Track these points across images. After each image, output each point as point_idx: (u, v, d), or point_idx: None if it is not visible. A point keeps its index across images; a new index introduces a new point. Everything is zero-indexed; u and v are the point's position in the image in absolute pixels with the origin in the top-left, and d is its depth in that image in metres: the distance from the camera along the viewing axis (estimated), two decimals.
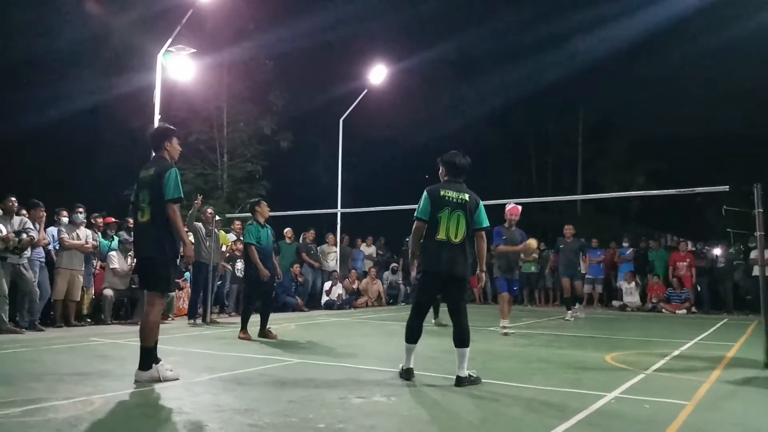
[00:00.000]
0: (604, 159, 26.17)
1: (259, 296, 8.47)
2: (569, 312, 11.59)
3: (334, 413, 3.92)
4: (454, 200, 5.09)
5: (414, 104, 25.35)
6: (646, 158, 24.21)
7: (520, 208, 9.40)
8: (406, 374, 5.13)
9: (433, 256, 5.08)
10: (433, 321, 9.89)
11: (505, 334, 8.80)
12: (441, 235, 5.03)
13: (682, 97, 22.30)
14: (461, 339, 5.09)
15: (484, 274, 5.79)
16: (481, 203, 5.23)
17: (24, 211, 9.02)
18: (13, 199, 8.70)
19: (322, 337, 8.51)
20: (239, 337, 8.05)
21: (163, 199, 4.97)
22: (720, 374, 5.60)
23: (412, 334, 5.19)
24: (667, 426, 3.67)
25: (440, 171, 5.41)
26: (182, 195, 5.08)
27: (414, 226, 5.19)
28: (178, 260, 5.35)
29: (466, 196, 5.15)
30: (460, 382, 4.92)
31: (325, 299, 14.10)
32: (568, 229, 12.26)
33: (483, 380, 5.11)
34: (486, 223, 5.19)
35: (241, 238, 10.81)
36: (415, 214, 5.17)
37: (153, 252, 5.08)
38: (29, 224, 8.73)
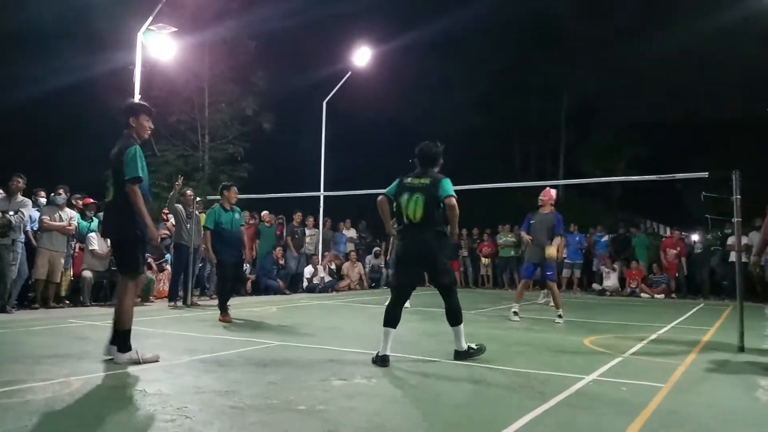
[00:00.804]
0: (586, 145, 26.35)
1: (226, 279, 8.44)
2: (542, 293, 11.41)
3: (314, 395, 3.93)
4: (415, 185, 5.24)
5: (398, 88, 25.29)
6: (628, 144, 24.43)
7: (552, 191, 8.96)
8: (381, 361, 4.97)
9: (401, 240, 5.28)
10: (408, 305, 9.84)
11: (515, 313, 8.68)
12: (405, 219, 5.21)
13: (664, 85, 22.53)
14: (454, 318, 5.25)
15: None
16: (445, 179, 5.24)
17: (42, 196, 9.27)
18: (19, 180, 8.55)
19: (304, 320, 8.51)
20: (219, 320, 8.02)
21: (123, 178, 4.86)
22: (695, 358, 5.70)
23: (392, 319, 5.20)
24: (644, 407, 3.73)
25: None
26: (141, 174, 4.90)
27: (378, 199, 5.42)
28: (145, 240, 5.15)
29: (427, 180, 5.24)
30: (460, 356, 5.16)
31: (307, 284, 14.09)
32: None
33: (464, 363, 5.16)
34: (449, 192, 5.12)
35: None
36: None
37: (117, 235, 5.03)
38: (26, 207, 8.62)
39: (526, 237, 8.94)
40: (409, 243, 5.18)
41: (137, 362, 4.78)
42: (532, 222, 8.84)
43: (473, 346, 5.23)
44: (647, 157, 22.83)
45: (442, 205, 5.10)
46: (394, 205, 5.35)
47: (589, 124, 26.63)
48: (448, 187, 5.17)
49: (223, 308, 8.13)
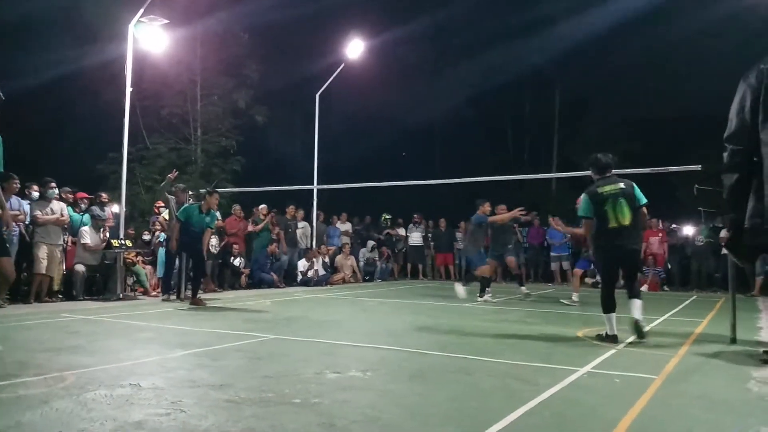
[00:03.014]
0: (579, 139, 26.36)
1: (187, 265, 9.58)
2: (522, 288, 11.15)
3: (309, 388, 3.93)
4: (612, 192, 6.00)
5: (392, 81, 25.19)
6: (621, 139, 24.44)
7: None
8: (612, 339, 5.87)
9: (614, 241, 5.97)
10: (462, 284, 10.49)
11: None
12: (612, 224, 5.92)
13: (657, 79, 22.53)
14: (636, 294, 6.06)
15: None
16: (635, 185, 6.11)
17: (35, 190, 9.35)
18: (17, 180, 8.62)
19: (298, 314, 8.51)
20: (190, 304, 8.93)
21: None
22: (688, 349, 5.74)
23: (611, 305, 5.98)
24: (637, 399, 3.76)
25: (592, 174, 6.34)
26: None
27: (582, 224, 6.34)
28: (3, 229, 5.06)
29: (621, 185, 6.05)
30: (638, 323, 5.89)
31: (301, 277, 14.07)
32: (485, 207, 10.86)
33: (457, 355, 5.18)
34: (644, 200, 6.06)
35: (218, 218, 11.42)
36: (579, 214, 6.26)
37: None
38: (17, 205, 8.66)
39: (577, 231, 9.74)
40: (626, 243, 5.93)
41: None
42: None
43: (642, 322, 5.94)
44: (640, 152, 22.87)
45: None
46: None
47: (582, 118, 26.63)
48: (641, 194, 6.05)
49: (193, 294, 9.29)
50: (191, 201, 10.74)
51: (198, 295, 9.37)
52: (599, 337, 6.09)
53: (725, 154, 4.88)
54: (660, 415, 3.48)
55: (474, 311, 9.15)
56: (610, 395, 3.94)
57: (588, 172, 6.50)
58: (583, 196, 6.19)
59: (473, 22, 26.60)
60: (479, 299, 10.31)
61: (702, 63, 20.70)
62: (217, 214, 11.48)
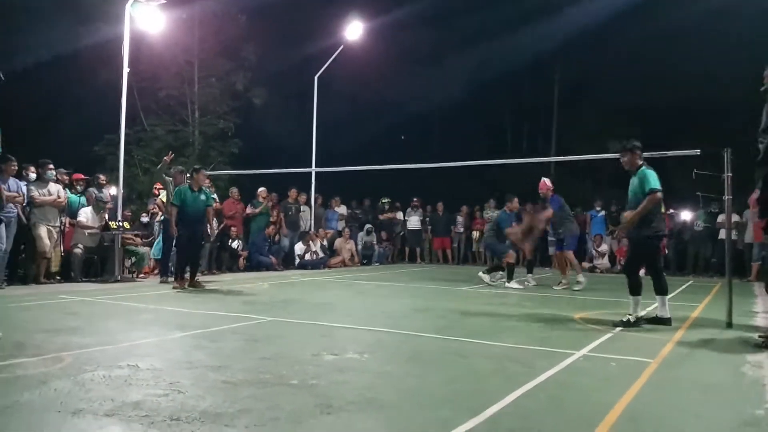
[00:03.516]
0: (577, 125, 26.29)
1: (184, 252, 9.42)
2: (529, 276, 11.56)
3: (306, 370, 3.95)
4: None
5: (391, 65, 25.05)
6: (619, 125, 24.38)
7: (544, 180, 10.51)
8: (669, 321, 6.05)
9: (660, 223, 6.15)
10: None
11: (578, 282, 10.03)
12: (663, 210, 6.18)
13: (655, 64, 22.41)
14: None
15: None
16: None
17: (32, 171, 9.32)
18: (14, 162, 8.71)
19: (296, 296, 8.54)
20: (173, 288, 8.99)
21: None
22: (684, 334, 5.76)
23: (665, 287, 6.18)
24: (632, 383, 3.78)
25: (636, 155, 6.29)
26: None
27: (658, 197, 6.01)
28: None
29: None
30: (659, 320, 6.05)
31: (299, 260, 14.08)
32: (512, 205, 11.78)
33: (454, 338, 5.21)
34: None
35: (214, 196, 11.45)
36: (654, 186, 5.98)
37: None
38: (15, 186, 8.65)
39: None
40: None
41: None
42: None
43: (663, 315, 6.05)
44: (638, 136, 22.82)
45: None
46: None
47: (581, 104, 26.54)
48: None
49: (177, 275, 9.30)
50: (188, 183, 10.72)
51: (196, 277, 9.37)
52: (656, 320, 6.13)
53: (761, 146, 5.04)
54: (655, 399, 3.50)
55: (471, 295, 9.18)
56: (605, 378, 3.96)
57: (583, 156, 6.55)
58: (651, 171, 6.09)
59: (473, 8, 26.38)
60: (507, 285, 10.22)
61: (701, 49, 20.59)
62: (214, 195, 11.48)
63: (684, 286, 11.30)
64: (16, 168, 8.88)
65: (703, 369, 4.38)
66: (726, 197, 6.46)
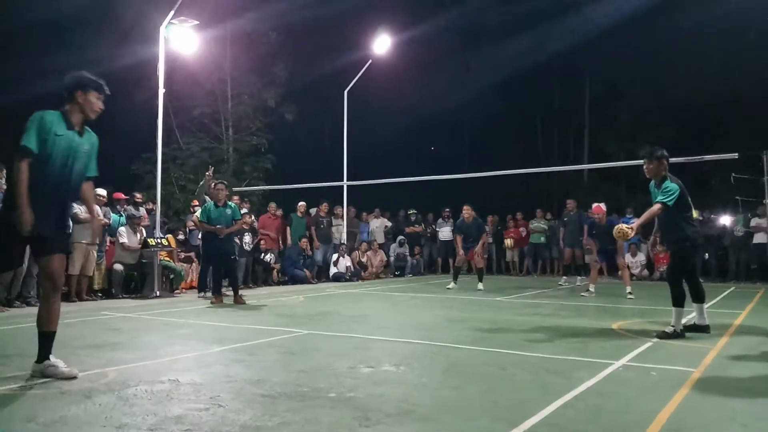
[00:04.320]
0: (610, 127, 25.93)
1: (218, 268, 9.60)
2: (564, 278, 12.87)
3: (343, 382, 3.97)
4: None
5: (419, 75, 25.13)
6: (653, 126, 23.97)
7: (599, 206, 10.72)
8: (708, 329, 6.03)
9: (696, 230, 6.14)
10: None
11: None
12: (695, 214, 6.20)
13: (688, 64, 21.95)
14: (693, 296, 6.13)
15: None
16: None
17: None
18: None
19: (330, 309, 8.58)
20: (211, 303, 9.09)
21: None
22: (727, 341, 5.63)
23: (702, 294, 6.13)
24: (675, 392, 3.70)
25: (663, 164, 6.07)
26: (26, 145, 3.91)
27: (656, 209, 5.87)
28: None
29: None
30: (698, 328, 6.03)
31: (334, 271, 14.18)
32: (571, 204, 13.38)
33: (490, 349, 5.18)
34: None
35: (243, 210, 11.89)
36: (663, 200, 5.84)
37: None
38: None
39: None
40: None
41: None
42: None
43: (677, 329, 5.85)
44: (672, 139, 22.37)
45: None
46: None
47: (613, 106, 26.15)
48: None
49: (215, 290, 9.41)
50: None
51: (239, 294, 9.36)
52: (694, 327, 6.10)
53: None
54: (699, 408, 3.43)
55: (506, 305, 9.11)
56: (647, 388, 3.89)
57: (618, 163, 6.47)
58: (674, 185, 5.90)
59: (500, 12, 26.33)
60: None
61: (739, 46, 20.13)
62: (244, 210, 11.60)
63: (726, 293, 11.03)
64: None
65: (748, 377, 4.26)
66: (767, 201, 6.31)
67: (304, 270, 13.55)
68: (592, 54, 24.99)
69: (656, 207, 5.84)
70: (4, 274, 3.64)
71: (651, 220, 6.01)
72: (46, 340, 4.19)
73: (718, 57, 20.86)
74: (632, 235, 5.91)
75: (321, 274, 14.23)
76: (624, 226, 5.99)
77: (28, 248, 4.31)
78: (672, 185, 5.90)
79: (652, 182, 6.12)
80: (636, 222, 5.87)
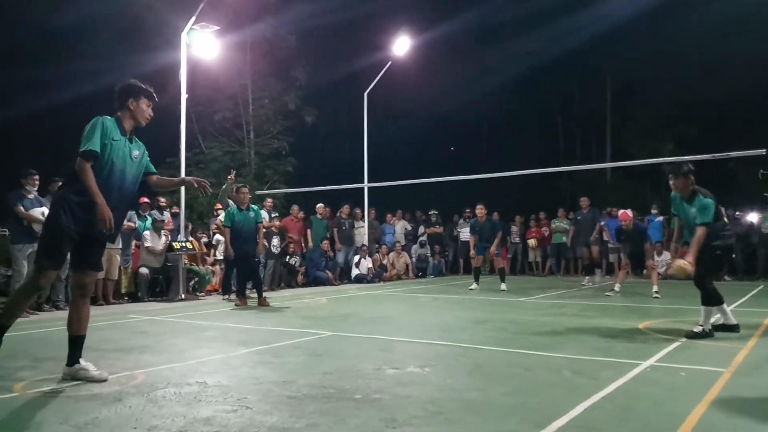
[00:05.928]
0: (632, 125, 25.62)
1: (242, 271, 9.60)
2: (587, 278, 12.93)
3: (369, 384, 3.98)
4: None
5: (438, 75, 25.08)
6: (675, 123, 23.64)
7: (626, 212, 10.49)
8: (737, 328, 5.94)
9: (729, 235, 6.08)
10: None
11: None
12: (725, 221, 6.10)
13: (711, 60, 21.59)
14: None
15: None
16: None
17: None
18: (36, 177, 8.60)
19: (353, 310, 8.61)
20: (235, 305, 9.14)
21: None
22: (758, 341, 5.53)
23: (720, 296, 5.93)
24: (705, 392, 3.65)
25: (690, 179, 5.93)
26: (92, 148, 4.05)
27: (703, 231, 5.74)
28: (72, 228, 4.06)
29: None
30: (727, 328, 5.95)
31: (356, 272, 14.23)
32: (584, 201, 13.42)
33: (514, 350, 5.15)
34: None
35: (274, 214, 12.15)
36: (707, 221, 5.74)
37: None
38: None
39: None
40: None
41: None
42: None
43: (707, 328, 5.76)
44: (695, 136, 22.03)
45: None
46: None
47: (634, 104, 25.83)
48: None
49: (239, 293, 9.43)
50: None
51: (263, 296, 9.43)
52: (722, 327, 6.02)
53: None
54: (730, 409, 3.38)
55: (529, 306, 9.05)
56: (676, 389, 3.84)
57: (643, 161, 6.31)
58: (709, 201, 5.79)
59: (518, 10, 26.16)
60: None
61: (759, 41, 19.75)
62: (264, 212, 11.63)
63: (754, 291, 10.85)
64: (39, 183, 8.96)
65: None
66: None
67: (327, 272, 13.61)
68: (612, 51, 24.68)
69: (701, 231, 5.68)
70: (50, 274, 3.78)
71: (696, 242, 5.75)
72: (76, 344, 4.28)
73: (741, 52, 20.51)
74: (692, 270, 5.65)
75: (343, 275, 14.29)
76: (682, 262, 5.68)
77: None
78: (706, 201, 5.78)
79: (676, 194, 6.01)
80: (691, 255, 5.63)
